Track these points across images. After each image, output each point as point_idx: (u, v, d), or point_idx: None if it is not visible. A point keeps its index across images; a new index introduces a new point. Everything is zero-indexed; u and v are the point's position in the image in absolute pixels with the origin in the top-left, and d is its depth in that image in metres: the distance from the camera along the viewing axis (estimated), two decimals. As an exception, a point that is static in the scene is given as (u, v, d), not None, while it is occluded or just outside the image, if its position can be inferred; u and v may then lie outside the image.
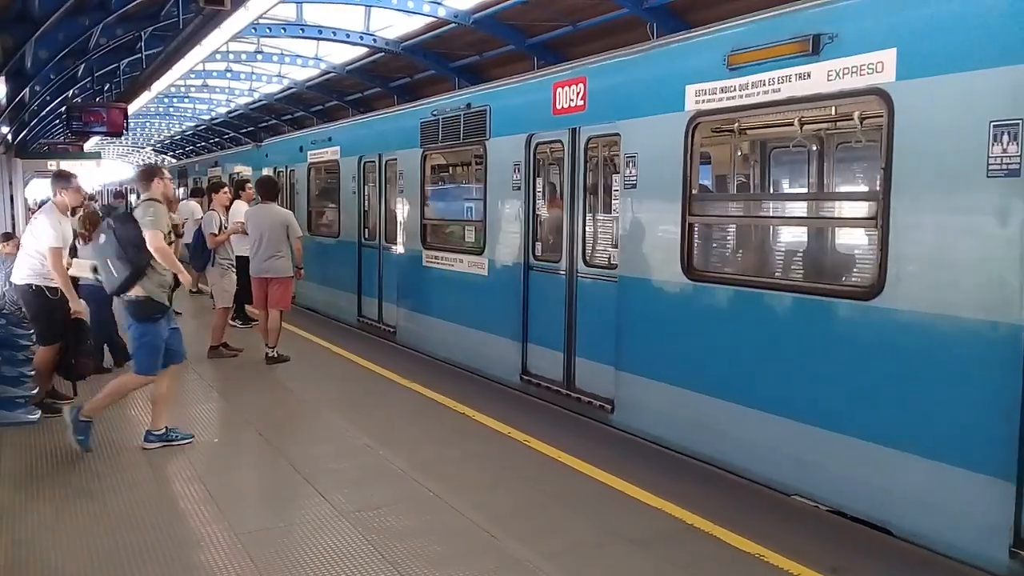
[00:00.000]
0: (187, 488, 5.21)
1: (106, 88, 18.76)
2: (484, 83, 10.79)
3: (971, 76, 4.05)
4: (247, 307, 10.94)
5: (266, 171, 14.77)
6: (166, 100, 28.50)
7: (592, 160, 7.10)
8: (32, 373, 6.62)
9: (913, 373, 4.36)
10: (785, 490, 5.05)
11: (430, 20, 15.47)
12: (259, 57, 21.15)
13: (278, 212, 9.26)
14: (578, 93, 6.92)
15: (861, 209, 5.20)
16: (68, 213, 6.93)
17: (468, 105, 8.63)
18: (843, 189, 7.19)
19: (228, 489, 5.22)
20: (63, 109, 18.54)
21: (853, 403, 4.67)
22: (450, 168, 11.36)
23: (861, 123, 5.25)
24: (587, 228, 7.06)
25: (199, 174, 21.89)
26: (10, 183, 21.02)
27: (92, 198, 24.54)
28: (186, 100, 29.82)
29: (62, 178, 6.94)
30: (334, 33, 16.91)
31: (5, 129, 17.36)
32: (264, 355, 8.99)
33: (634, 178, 6.28)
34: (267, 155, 16.05)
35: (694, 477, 5.41)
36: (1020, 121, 3.83)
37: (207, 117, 32.84)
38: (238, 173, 17.51)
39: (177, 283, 6.05)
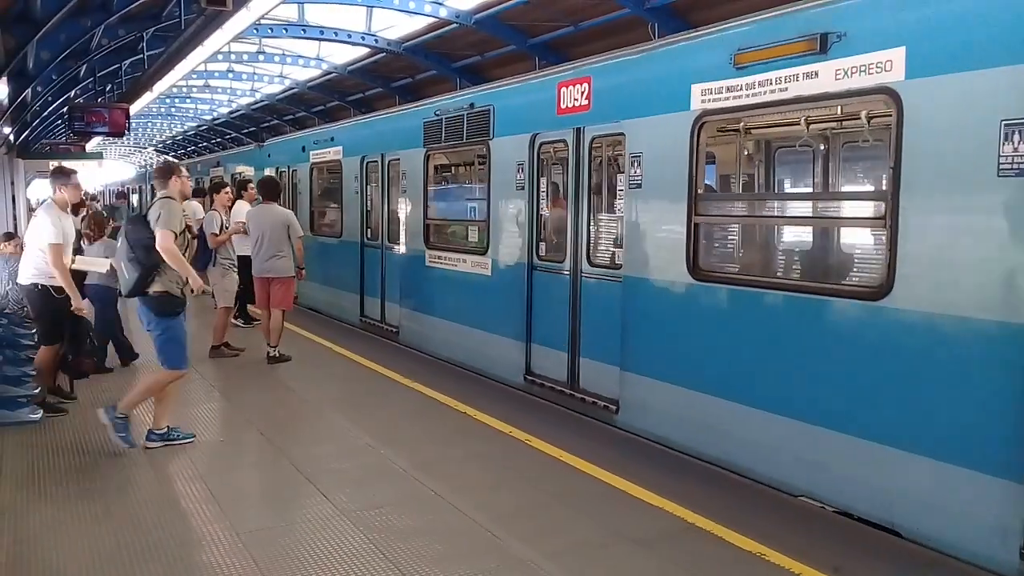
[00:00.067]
0: (189, 487, 5.19)
1: (108, 88, 18.74)
2: (485, 83, 10.76)
3: (982, 74, 4.01)
4: (249, 307, 10.93)
5: (268, 171, 14.76)
6: (168, 100, 28.45)
7: (596, 160, 7.07)
8: (34, 372, 6.62)
9: (921, 374, 4.33)
10: (792, 491, 5.02)
11: (431, 20, 15.44)
12: (261, 57, 21.12)
13: (279, 212, 9.26)
14: (582, 93, 6.89)
15: (869, 209, 5.18)
16: (68, 210, 6.88)
17: (472, 105, 8.60)
18: (850, 189, 7.17)
19: (230, 489, 5.21)
20: (65, 109, 18.50)
21: (861, 404, 4.64)
22: (453, 168, 11.36)
23: (869, 122, 5.22)
24: (591, 228, 7.04)
25: (201, 174, 21.87)
26: (12, 183, 21.01)
27: (94, 198, 24.58)
28: (188, 100, 29.77)
29: (61, 174, 6.89)
30: (336, 34, 16.89)
31: (7, 129, 17.34)
32: (266, 355, 8.99)
33: (639, 178, 6.25)
34: (269, 155, 16.05)
35: (697, 477, 5.39)
36: (1031, 120, 3.80)
37: (209, 117, 32.80)
38: (240, 173, 17.52)
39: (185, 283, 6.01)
